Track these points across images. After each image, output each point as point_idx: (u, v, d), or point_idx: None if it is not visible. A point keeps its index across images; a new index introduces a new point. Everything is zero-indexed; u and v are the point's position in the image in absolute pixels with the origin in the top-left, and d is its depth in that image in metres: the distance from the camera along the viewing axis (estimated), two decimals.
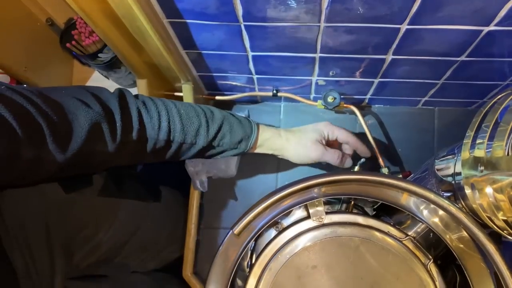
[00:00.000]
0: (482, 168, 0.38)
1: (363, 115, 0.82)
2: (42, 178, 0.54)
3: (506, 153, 0.35)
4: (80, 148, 0.51)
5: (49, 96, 0.50)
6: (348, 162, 0.76)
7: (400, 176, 0.83)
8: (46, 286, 0.68)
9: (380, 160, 0.78)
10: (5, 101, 0.45)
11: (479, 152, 0.40)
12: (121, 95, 0.59)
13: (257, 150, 0.73)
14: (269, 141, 0.72)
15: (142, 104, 0.60)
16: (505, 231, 0.39)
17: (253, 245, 0.57)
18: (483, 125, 0.41)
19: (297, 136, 0.74)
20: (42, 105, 0.48)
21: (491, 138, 0.38)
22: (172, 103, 0.63)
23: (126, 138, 0.57)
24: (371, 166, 0.85)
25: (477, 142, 0.41)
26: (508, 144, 0.35)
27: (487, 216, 0.41)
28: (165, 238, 0.93)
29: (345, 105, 0.82)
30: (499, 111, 0.39)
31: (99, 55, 0.82)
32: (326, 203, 0.61)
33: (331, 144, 0.77)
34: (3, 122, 0.44)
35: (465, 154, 0.43)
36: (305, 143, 0.72)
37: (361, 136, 0.87)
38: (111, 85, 0.96)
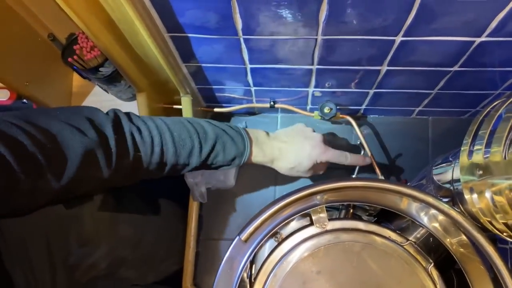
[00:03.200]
0: (480, 172, 0.40)
1: (359, 125, 0.83)
2: (38, 206, 0.53)
3: (504, 158, 0.36)
4: (75, 175, 0.50)
5: (39, 125, 0.49)
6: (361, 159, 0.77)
7: None
8: None
9: (377, 169, 0.79)
10: None
11: (477, 157, 0.41)
12: (116, 118, 0.57)
13: (254, 161, 0.72)
14: (265, 152, 0.72)
15: (135, 128, 0.59)
16: (504, 234, 0.41)
17: (252, 257, 0.58)
18: (479, 132, 0.42)
19: (295, 144, 0.73)
20: (36, 135, 0.47)
21: (488, 144, 0.40)
22: (165, 125, 0.62)
23: (121, 164, 0.56)
24: (368, 175, 0.86)
25: (474, 148, 0.42)
26: (505, 149, 0.37)
27: (487, 220, 0.42)
28: (164, 250, 0.93)
29: (341, 115, 0.83)
30: (494, 118, 0.41)
31: (100, 69, 0.83)
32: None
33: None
34: None
35: (464, 159, 0.44)
36: (303, 148, 0.72)
37: (356, 148, 0.89)
38: (111, 99, 0.97)
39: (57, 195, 0.51)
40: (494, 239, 0.72)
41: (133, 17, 0.54)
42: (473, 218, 0.45)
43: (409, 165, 0.91)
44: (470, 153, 0.43)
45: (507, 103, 0.41)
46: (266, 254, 0.51)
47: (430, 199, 0.43)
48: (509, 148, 0.36)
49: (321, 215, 0.48)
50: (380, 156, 0.91)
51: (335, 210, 0.67)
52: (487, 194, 0.40)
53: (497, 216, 0.40)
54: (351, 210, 0.60)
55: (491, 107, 0.43)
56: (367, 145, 0.80)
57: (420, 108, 0.87)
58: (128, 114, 0.61)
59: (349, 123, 0.83)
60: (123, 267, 0.83)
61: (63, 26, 0.85)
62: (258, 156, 0.71)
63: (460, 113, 0.89)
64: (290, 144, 0.73)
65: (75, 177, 0.51)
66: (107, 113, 0.58)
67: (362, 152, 0.80)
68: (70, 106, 0.57)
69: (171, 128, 0.62)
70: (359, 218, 0.57)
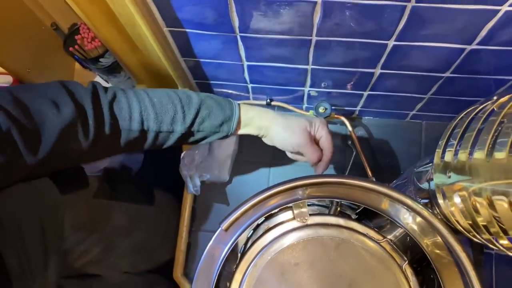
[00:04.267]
0: (450, 174, 0.41)
1: (353, 126, 0.84)
2: (14, 181, 0.52)
3: (469, 159, 0.38)
4: (52, 149, 0.51)
5: (19, 99, 0.49)
6: (320, 170, 0.71)
7: None
8: (40, 285, 0.70)
9: (368, 170, 0.80)
10: None
11: (448, 159, 0.43)
12: (94, 90, 0.57)
13: (243, 131, 0.69)
14: (254, 120, 0.68)
15: (112, 97, 0.58)
16: (470, 234, 0.42)
17: (242, 249, 0.59)
18: (452, 134, 0.44)
19: (287, 118, 0.69)
20: (12, 110, 0.47)
21: (458, 146, 0.41)
22: (144, 92, 0.61)
23: (99, 134, 0.56)
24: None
25: (446, 150, 0.44)
26: (473, 152, 0.38)
27: (456, 220, 0.43)
28: (157, 240, 0.94)
29: (335, 116, 0.84)
30: (465, 123, 0.42)
31: (100, 59, 0.84)
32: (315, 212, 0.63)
33: None
34: None
35: (437, 161, 0.45)
36: (294, 127, 0.68)
37: (349, 150, 0.90)
38: None
39: (35, 169, 0.52)
40: (481, 246, 0.73)
41: (133, 11, 0.56)
42: (447, 220, 0.47)
43: (402, 168, 0.92)
44: (443, 155, 0.45)
45: (478, 109, 0.42)
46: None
47: (403, 199, 0.45)
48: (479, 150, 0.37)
49: (303, 209, 0.50)
50: (372, 158, 0.92)
51: (325, 209, 0.68)
52: (456, 197, 0.41)
53: (465, 219, 0.41)
54: (338, 209, 0.61)
55: (464, 113, 0.45)
56: (359, 146, 0.81)
57: (414, 112, 0.88)
58: (105, 87, 0.60)
59: (343, 123, 0.84)
60: (115, 254, 0.85)
61: (66, 16, 0.87)
62: (252, 119, 0.68)
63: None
64: (277, 124, 0.69)
65: (52, 151, 0.51)
66: (87, 86, 0.58)
67: (354, 153, 0.81)
68: (54, 80, 0.57)
69: (151, 95, 0.61)
70: (342, 215, 0.58)
